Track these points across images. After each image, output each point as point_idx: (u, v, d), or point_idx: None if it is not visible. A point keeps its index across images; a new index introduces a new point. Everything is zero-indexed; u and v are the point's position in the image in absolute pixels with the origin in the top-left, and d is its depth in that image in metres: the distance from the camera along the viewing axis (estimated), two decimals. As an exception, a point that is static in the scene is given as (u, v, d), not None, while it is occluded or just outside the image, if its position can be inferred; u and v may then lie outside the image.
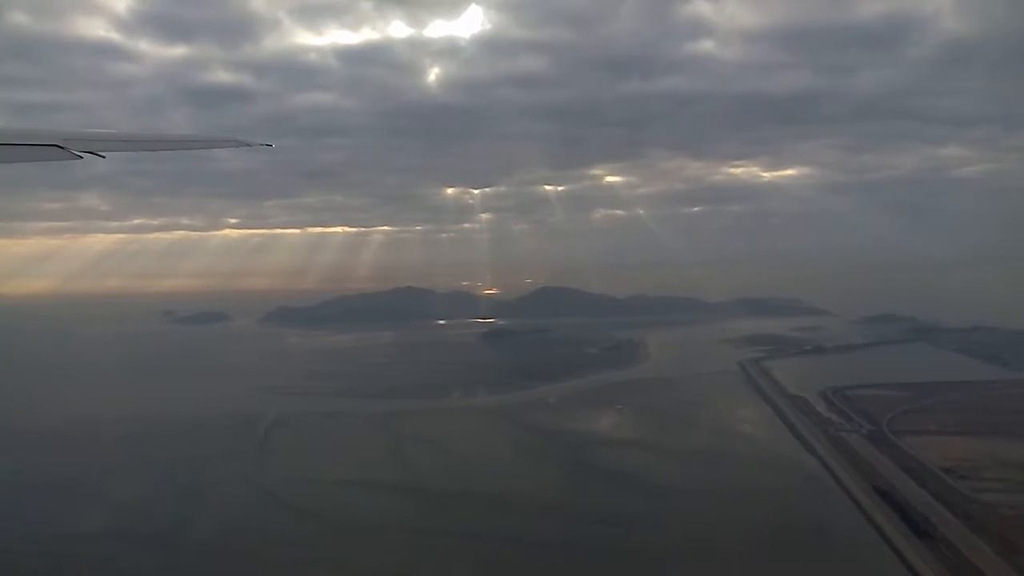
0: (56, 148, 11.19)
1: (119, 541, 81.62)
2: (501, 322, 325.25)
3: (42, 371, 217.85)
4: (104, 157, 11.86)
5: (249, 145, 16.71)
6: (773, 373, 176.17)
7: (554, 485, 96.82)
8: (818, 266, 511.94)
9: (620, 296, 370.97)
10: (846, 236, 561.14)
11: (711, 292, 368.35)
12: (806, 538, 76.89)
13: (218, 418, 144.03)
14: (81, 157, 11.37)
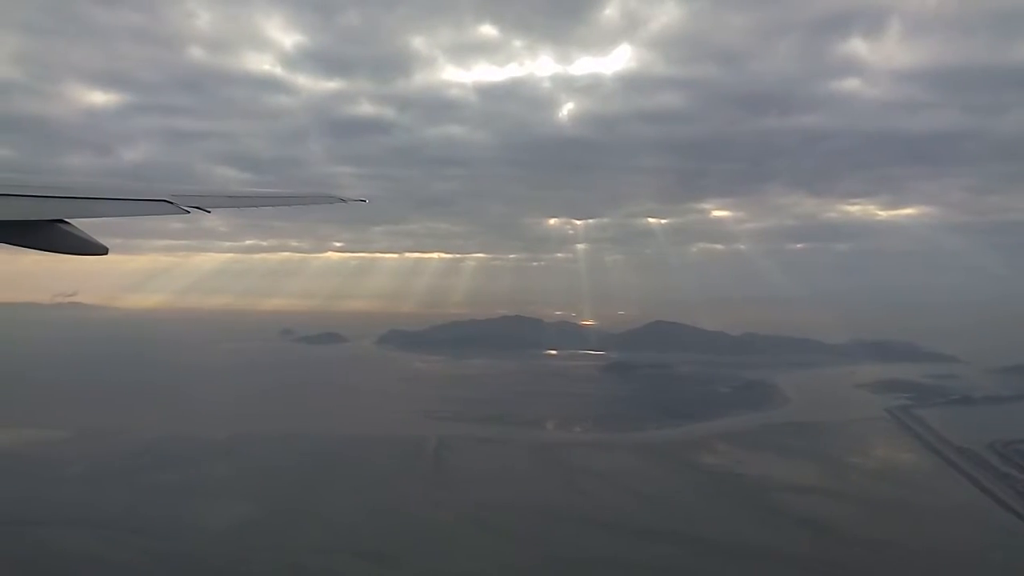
0: (165, 203, 11.85)
1: (350, 557, 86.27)
2: (613, 355, 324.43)
3: (191, 383, 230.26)
4: (210, 212, 12.55)
5: (344, 201, 17.80)
6: (927, 422, 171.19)
7: (753, 529, 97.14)
8: (933, 309, 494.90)
9: (733, 333, 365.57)
10: (962, 278, 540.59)
11: (825, 332, 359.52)
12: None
13: (383, 440, 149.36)
14: (188, 211, 11.95)
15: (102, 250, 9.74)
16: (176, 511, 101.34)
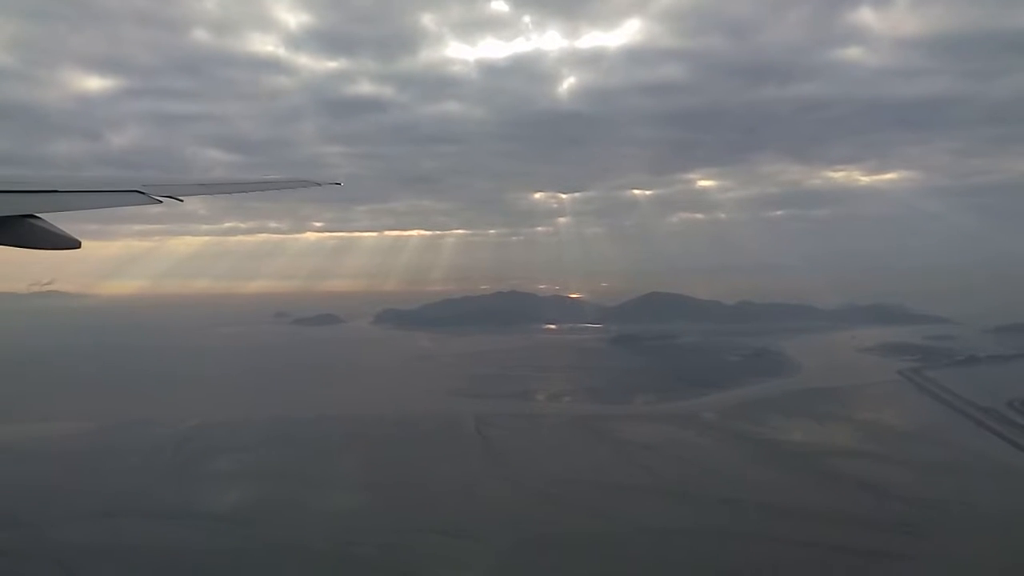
0: (137, 193, 11.93)
1: (440, 536, 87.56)
2: (613, 327, 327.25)
3: (200, 369, 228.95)
4: (183, 201, 12.67)
5: (319, 184, 18.17)
6: (942, 383, 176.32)
7: (817, 494, 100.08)
8: (917, 272, 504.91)
9: (728, 302, 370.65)
10: (944, 241, 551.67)
11: (817, 298, 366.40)
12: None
13: (419, 420, 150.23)
14: (160, 201, 12.04)
15: (75, 244, 9.62)
16: (253, 498, 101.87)
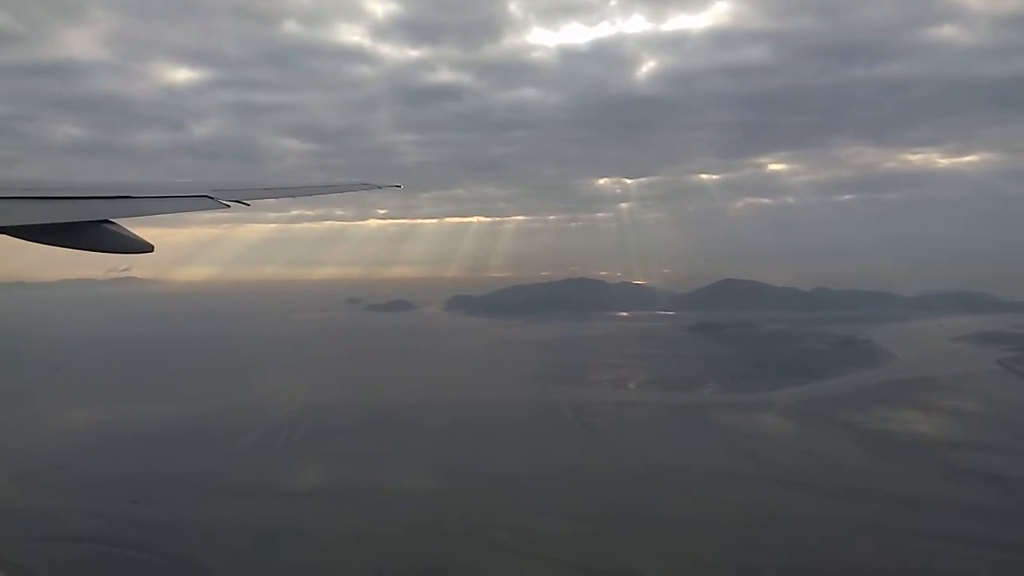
0: (206, 198, 12.10)
1: (568, 520, 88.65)
2: (688, 315, 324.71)
3: (289, 354, 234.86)
4: (249, 205, 12.93)
5: (379, 187, 18.08)
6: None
7: (936, 484, 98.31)
8: (997, 257, 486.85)
9: (804, 289, 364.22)
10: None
11: (895, 284, 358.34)
12: None
13: (516, 406, 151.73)
14: (228, 206, 12.28)
15: (147, 248, 9.96)
16: (375, 479, 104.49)
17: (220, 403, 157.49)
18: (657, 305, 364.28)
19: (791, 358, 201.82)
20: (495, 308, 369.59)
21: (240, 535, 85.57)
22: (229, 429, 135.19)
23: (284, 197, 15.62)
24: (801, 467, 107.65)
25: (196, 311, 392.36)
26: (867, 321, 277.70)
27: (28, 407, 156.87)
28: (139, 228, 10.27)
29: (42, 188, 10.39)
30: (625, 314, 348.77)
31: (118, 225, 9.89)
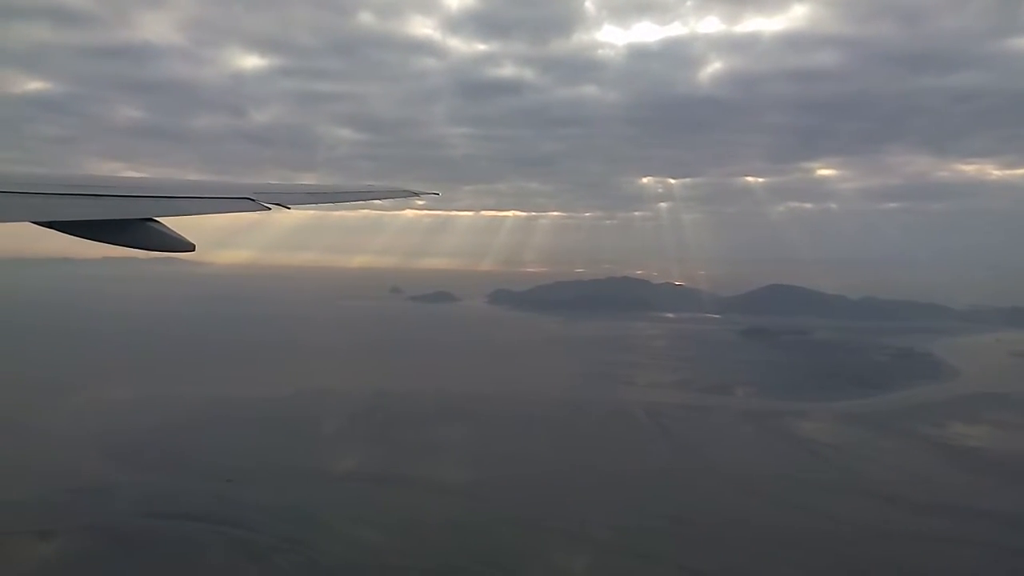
0: (248, 200, 12.19)
1: (667, 522, 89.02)
2: (735, 318, 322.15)
3: (345, 340, 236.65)
4: (290, 208, 12.92)
5: (417, 195, 18.33)
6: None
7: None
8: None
9: (852, 297, 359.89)
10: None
11: (945, 296, 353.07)
12: None
13: (584, 405, 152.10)
14: (269, 208, 12.29)
15: (189, 247, 10.14)
16: (464, 468, 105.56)
17: (289, 388, 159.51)
18: (702, 308, 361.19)
19: (853, 368, 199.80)
20: (539, 304, 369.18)
21: (343, 519, 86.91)
22: (307, 414, 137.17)
23: (323, 202, 15.87)
24: (890, 480, 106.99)
25: (243, 294, 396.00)
26: (921, 333, 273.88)
27: (99, 385, 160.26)
28: (180, 223, 10.54)
29: (89, 186, 10.73)
30: (671, 315, 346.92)
31: (161, 224, 10.17)
